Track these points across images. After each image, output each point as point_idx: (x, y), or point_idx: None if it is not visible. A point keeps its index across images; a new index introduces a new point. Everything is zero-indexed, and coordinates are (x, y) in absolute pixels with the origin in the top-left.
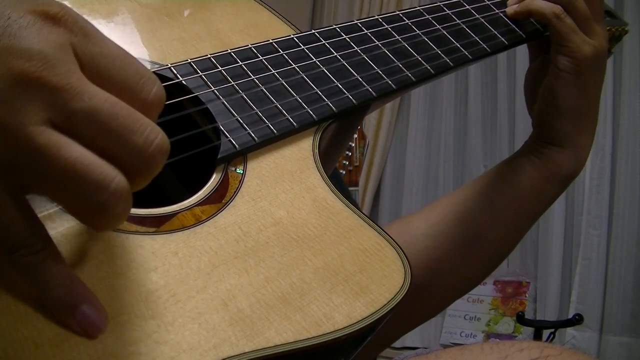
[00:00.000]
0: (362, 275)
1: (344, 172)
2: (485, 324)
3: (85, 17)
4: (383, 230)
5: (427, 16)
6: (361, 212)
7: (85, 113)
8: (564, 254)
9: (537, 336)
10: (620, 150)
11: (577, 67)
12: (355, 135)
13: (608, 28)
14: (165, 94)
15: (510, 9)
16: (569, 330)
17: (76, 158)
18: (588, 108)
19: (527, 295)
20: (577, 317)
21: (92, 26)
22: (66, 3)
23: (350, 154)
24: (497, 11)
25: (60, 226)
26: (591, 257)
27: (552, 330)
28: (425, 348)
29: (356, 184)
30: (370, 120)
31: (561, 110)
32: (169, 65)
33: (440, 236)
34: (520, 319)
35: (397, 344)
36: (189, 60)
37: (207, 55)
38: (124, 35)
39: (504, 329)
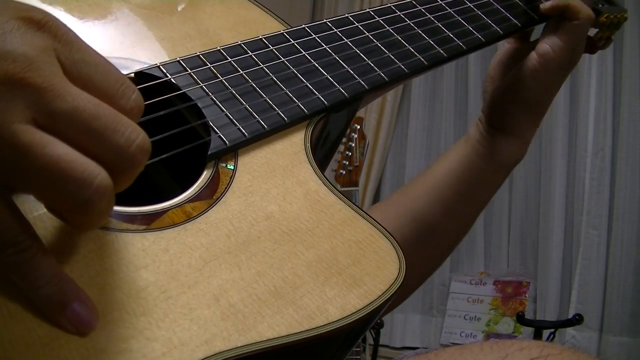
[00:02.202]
0: (355, 267)
1: (344, 172)
2: (485, 324)
3: (75, 18)
4: (377, 222)
5: (419, 7)
6: (354, 204)
7: (68, 113)
8: (564, 254)
9: (537, 336)
10: (620, 150)
11: (557, 63)
12: (355, 135)
13: (607, 15)
14: (143, 101)
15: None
16: (569, 330)
17: (60, 155)
18: (544, 105)
19: (527, 295)
20: (577, 317)
21: (75, 34)
22: (57, 4)
23: (350, 154)
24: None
25: (51, 226)
26: (591, 257)
27: (552, 330)
28: (425, 348)
29: (356, 184)
30: (370, 120)
31: (523, 100)
32: (158, 64)
33: (394, 234)
34: (520, 319)
35: (397, 343)
36: (178, 59)
37: (196, 53)
38: (114, 36)
39: (504, 329)
